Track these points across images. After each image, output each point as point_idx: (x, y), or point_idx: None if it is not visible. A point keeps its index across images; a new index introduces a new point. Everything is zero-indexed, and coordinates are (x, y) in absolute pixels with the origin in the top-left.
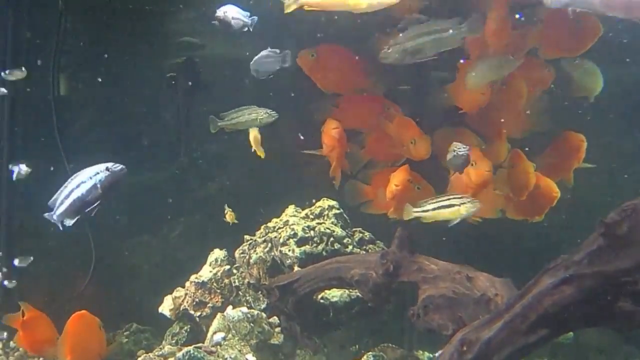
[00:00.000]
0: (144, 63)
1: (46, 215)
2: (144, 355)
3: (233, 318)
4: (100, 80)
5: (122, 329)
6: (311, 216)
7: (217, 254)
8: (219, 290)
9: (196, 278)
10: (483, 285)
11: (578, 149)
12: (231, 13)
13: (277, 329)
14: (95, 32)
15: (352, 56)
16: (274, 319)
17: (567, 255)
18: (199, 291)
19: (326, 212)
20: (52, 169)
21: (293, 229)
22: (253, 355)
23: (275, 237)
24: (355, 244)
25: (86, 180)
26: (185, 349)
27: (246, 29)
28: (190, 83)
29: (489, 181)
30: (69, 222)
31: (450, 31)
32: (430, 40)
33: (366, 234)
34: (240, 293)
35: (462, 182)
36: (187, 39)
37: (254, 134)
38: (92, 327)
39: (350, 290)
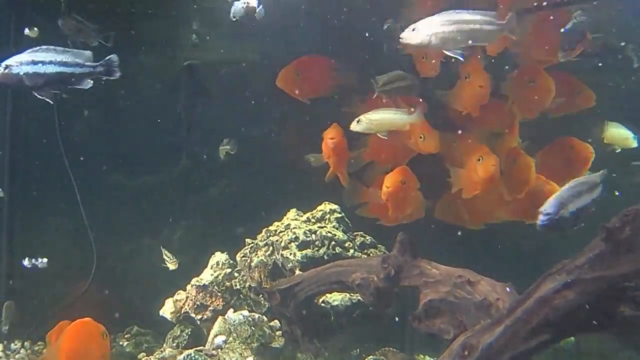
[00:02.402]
0: (147, 66)
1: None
2: (145, 358)
3: (234, 321)
4: (102, 82)
5: (123, 331)
6: (312, 220)
7: (219, 257)
8: (220, 294)
9: (197, 281)
10: (484, 289)
11: (587, 160)
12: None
13: (278, 333)
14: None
15: (322, 62)
16: (275, 323)
17: (569, 259)
18: (200, 294)
19: (328, 216)
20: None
21: (294, 233)
22: (254, 359)
23: (277, 240)
24: (356, 247)
25: None
26: (186, 352)
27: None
28: (191, 85)
29: (496, 176)
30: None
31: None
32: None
33: (367, 237)
34: (242, 296)
35: (467, 177)
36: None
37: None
38: (94, 336)
39: (352, 294)
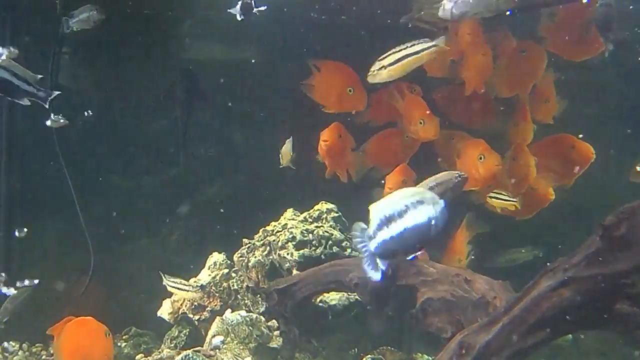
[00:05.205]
0: (144, 68)
1: None
2: (143, 359)
3: (232, 322)
4: (100, 84)
5: (121, 332)
6: (309, 219)
7: (216, 257)
8: (217, 294)
9: (195, 282)
10: (482, 288)
11: (587, 161)
12: None
13: (276, 333)
14: (94, 36)
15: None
16: (273, 323)
17: (566, 257)
18: (198, 295)
19: (324, 216)
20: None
21: (292, 233)
22: (252, 359)
23: (274, 240)
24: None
25: None
26: (184, 353)
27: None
28: (188, 89)
29: (498, 175)
30: None
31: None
32: None
33: None
34: (239, 297)
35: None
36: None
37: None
38: (96, 335)
39: (349, 293)
